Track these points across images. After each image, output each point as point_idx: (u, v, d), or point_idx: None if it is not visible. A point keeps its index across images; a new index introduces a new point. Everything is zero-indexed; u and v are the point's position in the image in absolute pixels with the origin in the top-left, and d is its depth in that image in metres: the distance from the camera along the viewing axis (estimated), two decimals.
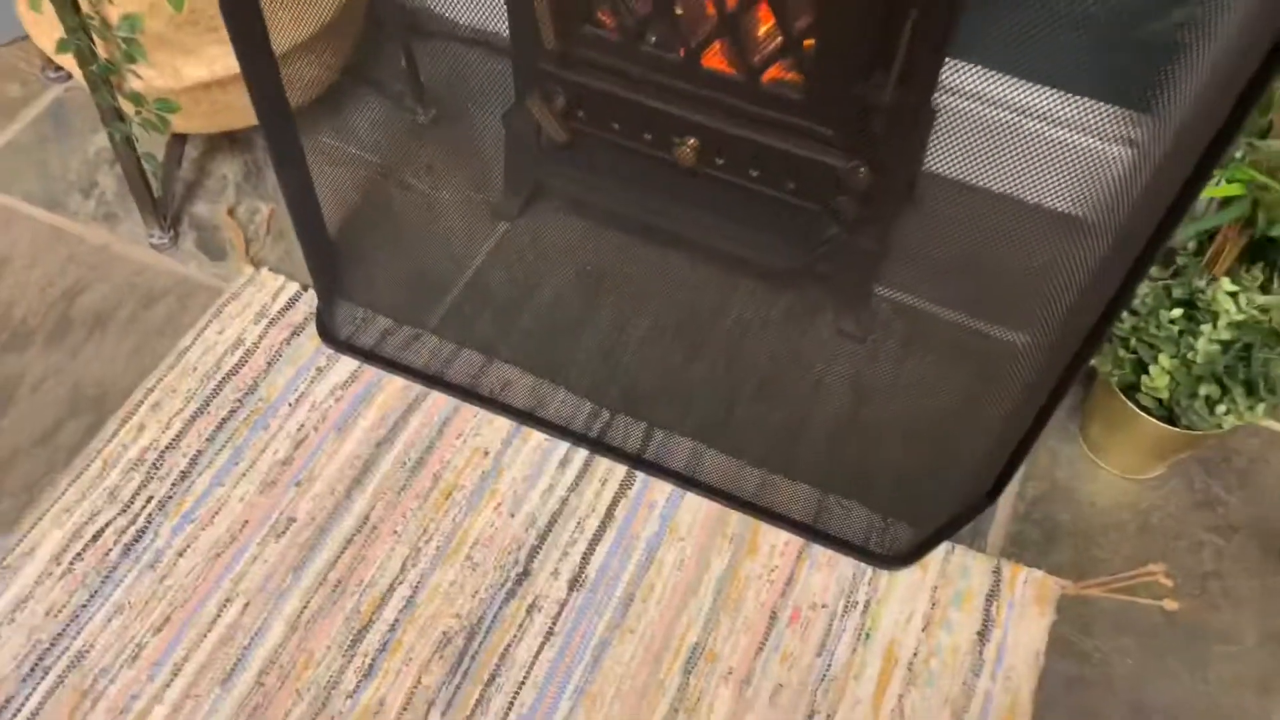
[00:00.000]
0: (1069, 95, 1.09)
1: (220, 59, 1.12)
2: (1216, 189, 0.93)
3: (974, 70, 1.13)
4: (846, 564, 1.04)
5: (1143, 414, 1.00)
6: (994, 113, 1.13)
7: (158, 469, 1.08)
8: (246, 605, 1.00)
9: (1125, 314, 0.99)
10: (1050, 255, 0.85)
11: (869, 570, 1.04)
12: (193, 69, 1.11)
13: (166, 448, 1.10)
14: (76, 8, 0.96)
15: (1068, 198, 0.95)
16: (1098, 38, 1.01)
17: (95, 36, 0.98)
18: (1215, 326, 0.92)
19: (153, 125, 1.03)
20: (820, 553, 1.05)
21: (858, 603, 1.02)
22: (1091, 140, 1.03)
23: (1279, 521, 1.08)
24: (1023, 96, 1.10)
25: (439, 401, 1.13)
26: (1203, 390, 0.95)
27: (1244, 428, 1.12)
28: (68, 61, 1.08)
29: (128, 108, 1.08)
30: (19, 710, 0.94)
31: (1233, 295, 0.93)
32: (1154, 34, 0.76)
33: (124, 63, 0.96)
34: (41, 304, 1.21)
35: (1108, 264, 0.79)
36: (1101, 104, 1.09)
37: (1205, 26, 0.68)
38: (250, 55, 0.91)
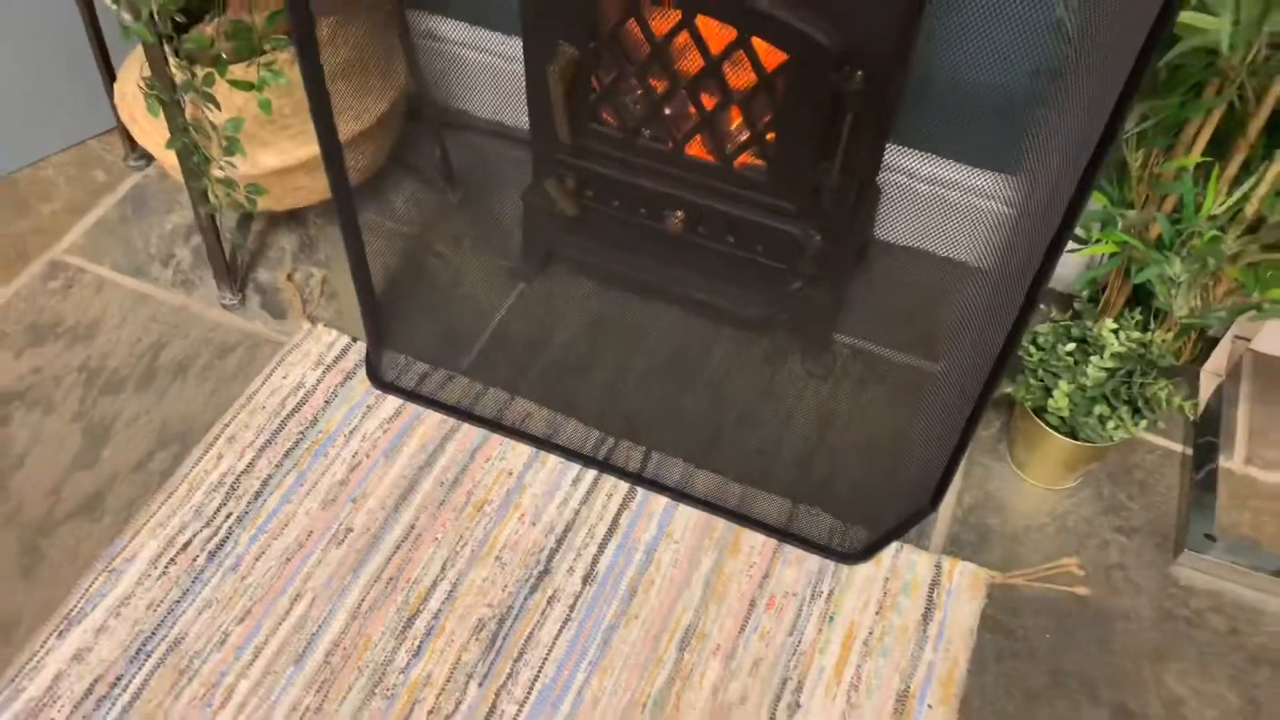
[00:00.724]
0: (975, 169, 1.33)
1: (289, 150, 1.36)
2: (1097, 247, 1.17)
3: (910, 153, 1.39)
4: (813, 561, 1.25)
5: (1051, 431, 1.22)
6: (922, 186, 1.38)
7: (235, 490, 1.29)
8: (314, 599, 1.20)
9: (1033, 349, 1.22)
10: (962, 300, 1.08)
11: (832, 565, 1.25)
12: (268, 158, 1.35)
13: (242, 473, 1.31)
14: (182, 112, 1.20)
15: (974, 252, 1.18)
16: (991, 123, 1.26)
17: (195, 134, 1.22)
18: (1102, 356, 1.15)
19: (240, 205, 1.27)
20: (791, 552, 1.25)
21: (823, 592, 1.23)
22: (990, 203, 1.28)
23: (1170, 523, 1.29)
24: (942, 172, 1.35)
25: (470, 432, 1.35)
26: (1096, 410, 1.18)
27: (1141, 445, 1.35)
28: (164, 153, 1.31)
29: (215, 191, 1.31)
30: (127, 686, 1.14)
31: (1114, 331, 1.16)
32: (1027, 119, 0.99)
33: (223, 156, 1.20)
34: (131, 356, 1.43)
35: (1005, 304, 1.02)
36: (997, 174, 1.33)
37: (1061, 112, 0.92)
38: (327, 144, 1.14)
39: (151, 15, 1.09)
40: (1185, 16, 0.89)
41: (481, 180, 1.59)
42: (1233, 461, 1.35)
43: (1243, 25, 0.89)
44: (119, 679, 1.14)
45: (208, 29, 1.20)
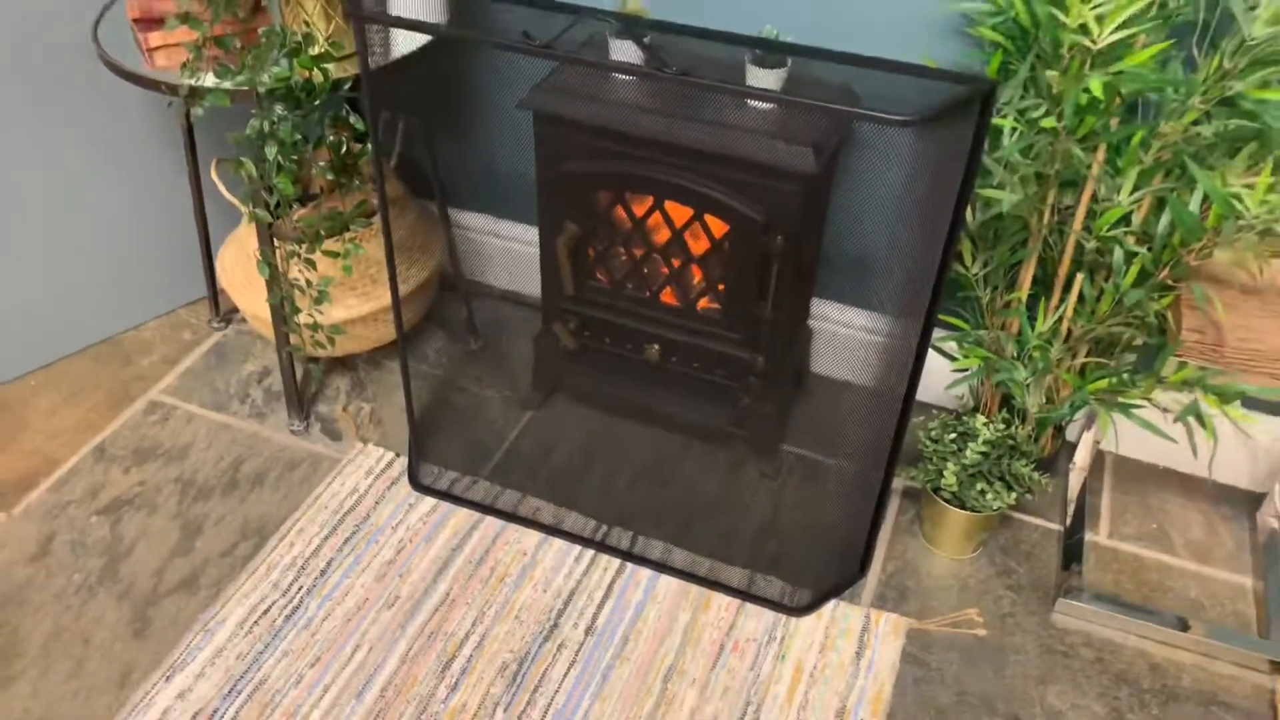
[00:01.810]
0: (865, 310, 1.75)
1: (355, 306, 1.76)
2: (965, 361, 1.57)
3: (829, 304, 1.81)
4: (769, 614, 1.57)
5: (946, 505, 1.58)
6: (842, 330, 1.79)
7: (304, 569, 1.61)
8: (370, 649, 1.50)
9: (928, 440, 1.59)
10: (862, 414, 1.47)
11: (784, 618, 1.56)
12: (337, 312, 1.74)
13: (310, 556, 1.63)
14: (284, 274, 1.61)
15: (868, 375, 1.58)
16: (869, 274, 1.69)
17: (287, 293, 1.62)
18: (976, 442, 1.53)
19: (320, 345, 1.65)
20: (751, 608, 1.58)
21: (777, 637, 1.54)
22: (876, 338, 1.69)
23: (1050, 582, 1.63)
24: (849, 317, 1.77)
25: (492, 523, 1.68)
26: (977, 485, 1.54)
27: (1026, 525, 1.70)
28: (252, 310, 1.71)
29: (302, 335, 1.70)
30: (222, 717, 1.42)
31: (985, 424, 1.54)
32: (890, 272, 1.41)
33: (313, 305, 1.59)
34: (216, 471, 1.77)
35: (889, 412, 1.40)
36: (872, 313, 1.75)
37: (909, 266, 1.34)
38: (395, 299, 1.54)
39: (267, 205, 1.51)
40: (985, 192, 1.32)
41: (498, 333, 2.00)
42: (1098, 536, 1.70)
43: (1029, 198, 1.32)
44: (215, 711, 1.43)
45: (309, 212, 1.62)
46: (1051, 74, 1.14)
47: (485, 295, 2.06)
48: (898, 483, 1.77)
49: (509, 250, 2.05)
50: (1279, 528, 1.67)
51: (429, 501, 1.72)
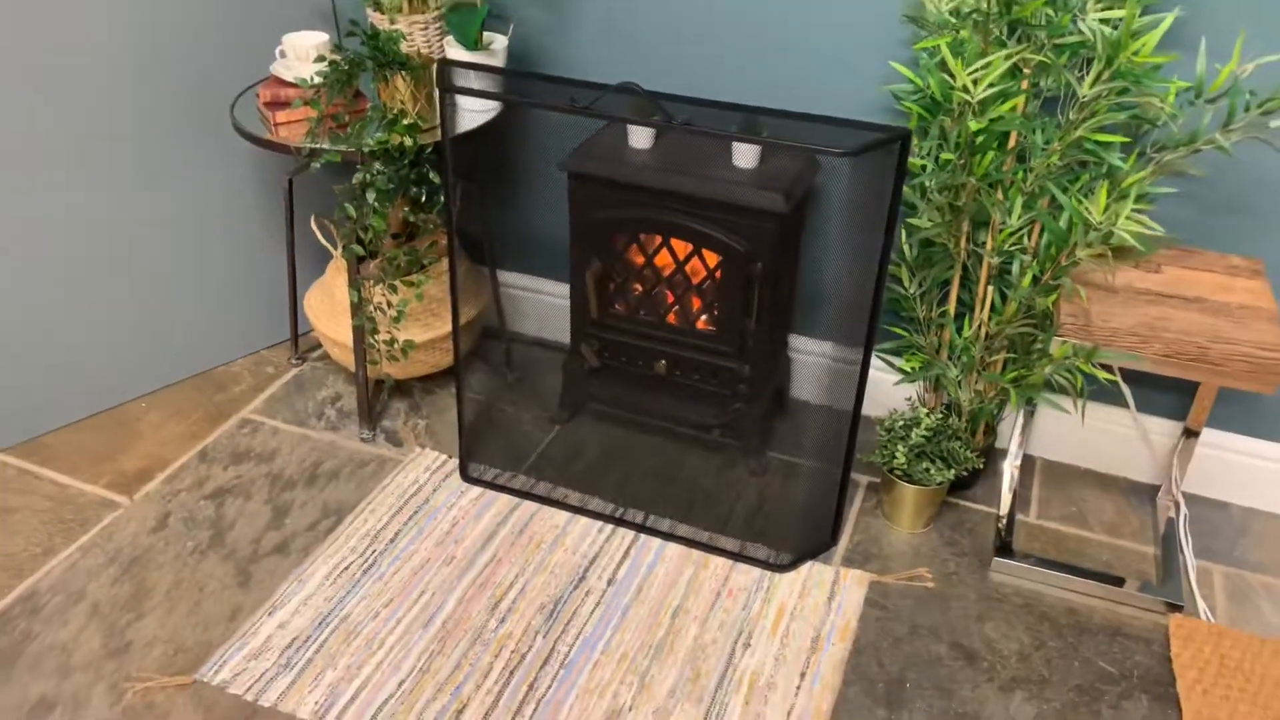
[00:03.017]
0: (823, 341, 2.17)
1: (417, 334, 2.16)
2: (909, 363, 1.97)
3: (800, 338, 2.23)
4: (756, 571, 1.92)
5: (898, 480, 1.95)
6: (812, 359, 2.21)
7: (377, 538, 1.96)
8: (433, 594, 1.85)
9: (883, 430, 1.98)
10: (825, 423, 1.87)
11: (769, 574, 1.91)
12: (404, 336, 2.15)
13: (380, 529, 1.98)
14: (364, 305, 2.02)
15: (828, 395, 1.98)
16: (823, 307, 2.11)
17: (369, 316, 2.03)
18: (920, 428, 1.91)
19: (394, 359, 2.05)
20: (742, 567, 1.93)
21: (763, 587, 1.89)
22: (831, 362, 2.10)
23: (989, 552, 1.98)
24: (808, 345, 2.18)
25: (529, 505, 2.05)
26: (922, 463, 1.92)
27: (970, 511, 2.07)
28: (331, 340, 2.12)
29: (380, 349, 2.10)
30: (313, 640, 1.75)
31: (927, 414, 1.93)
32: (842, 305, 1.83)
33: (392, 325, 2.00)
34: (300, 469, 2.14)
35: (844, 421, 1.80)
36: (836, 344, 2.16)
37: (853, 293, 1.76)
38: (455, 322, 1.95)
39: (360, 241, 1.94)
40: (913, 220, 1.75)
41: (530, 369, 2.40)
42: (1027, 517, 2.07)
43: (946, 225, 1.76)
44: (309, 638, 1.76)
45: (394, 246, 2.06)
46: (945, 119, 1.59)
47: (519, 340, 2.48)
48: (862, 477, 2.14)
49: (540, 301, 2.48)
50: (1171, 506, 2.04)
51: (476, 490, 2.08)
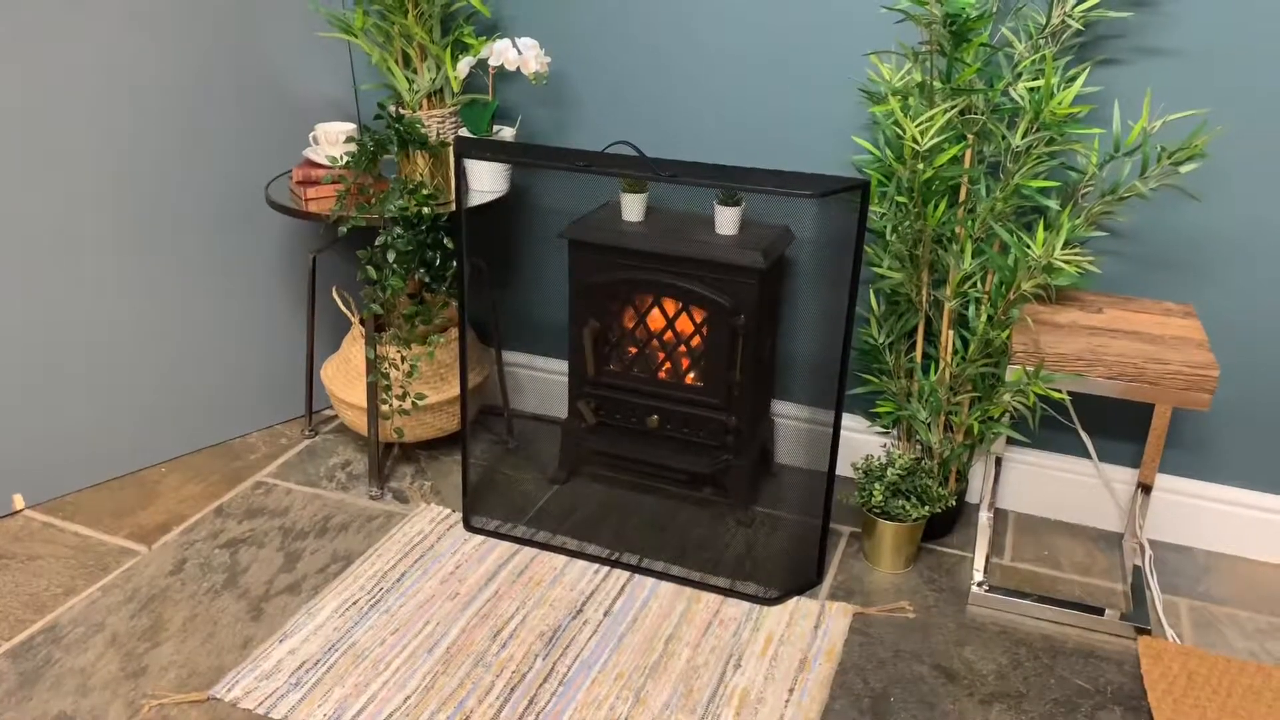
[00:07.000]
0: (801, 405, 2.34)
1: (427, 396, 2.32)
2: (881, 409, 2.13)
3: (781, 403, 2.40)
4: (746, 604, 2.01)
5: (876, 518, 2.07)
6: (792, 423, 2.37)
7: (384, 578, 2.06)
8: (437, 624, 1.94)
9: (862, 474, 2.12)
10: (803, 480, 2.02)
11: (759, 606, 2.01)
12: (415, 389, 2.31)
13: (387, 570, 2.09)
14: (379, 363, 2.19)
15: (807, 457, 2.14)
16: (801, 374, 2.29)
17: (384, 372, 2.20)
18: (895, 467, 2.06)
19: (405, 413, 2.20)
20: (733, 601, 2.02)
21: (753, 617, 1.98)
22: (812, 426, 2.26)
23: (966, 590, 2.09)
24: (787, 410, 2.35)
25: (530, 551, 2.15)
26: (898, 501, 2.05)
27: (947, 555, 2.19)
28: (344, 407, 2.28)
29: (392, 404, 2.25)
30: (322, 664, 1.83)
31: (900, 455, 2.08)
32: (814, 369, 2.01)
33: (407, 381, 2.16)
34: (312, 523, 2.25)
35: (819, 480, 1.96)
36: (811, 407, 2.33)
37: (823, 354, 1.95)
38: (463, 390, 2.12)
39: (379, 300, 2.13)
40: (879, 269, 1.96)
41: (528, 438, 2.55)
42: (1003, 560, 2.18)
43: (908, 273, 1.96)
44: (318, 661, 1.84)
45: (409, 304, 2.24)
46: (899, 166, 1.82)
47: (520, 415, 2.64)
48: (843, 527, 2.26)
49: (536, 379, 2.65)
50: (1136, 549, 2.15)
51: (479, 538, 2.20)
